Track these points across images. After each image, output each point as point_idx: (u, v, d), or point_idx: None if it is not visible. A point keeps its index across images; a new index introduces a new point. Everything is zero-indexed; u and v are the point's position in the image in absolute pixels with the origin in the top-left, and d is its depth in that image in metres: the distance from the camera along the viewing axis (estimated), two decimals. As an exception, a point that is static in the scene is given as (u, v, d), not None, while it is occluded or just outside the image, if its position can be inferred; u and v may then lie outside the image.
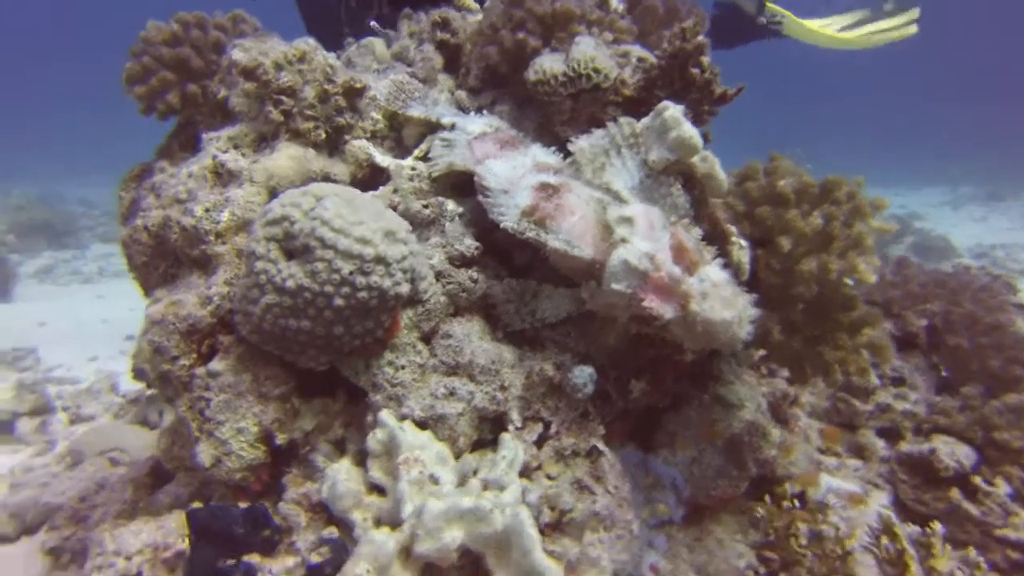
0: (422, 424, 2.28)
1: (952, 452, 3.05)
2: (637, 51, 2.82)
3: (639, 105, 2.72)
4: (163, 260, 2.39)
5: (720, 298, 2.13)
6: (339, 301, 2.05)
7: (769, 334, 2.51)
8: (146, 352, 2.23)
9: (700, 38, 2.48)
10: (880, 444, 3.41)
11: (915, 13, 6.13)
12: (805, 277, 2.36)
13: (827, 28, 6.24)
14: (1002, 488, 3.01)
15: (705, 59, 2.56)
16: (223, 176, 2.48)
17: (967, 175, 20.60)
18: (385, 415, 2.17)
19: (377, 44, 3.34)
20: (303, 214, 2.10)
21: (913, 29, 6.17)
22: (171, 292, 2.28)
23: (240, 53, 2.61)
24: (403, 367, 2.32)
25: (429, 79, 3.06)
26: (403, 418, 2.26)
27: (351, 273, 2.04)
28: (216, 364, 2.16)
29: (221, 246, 2.32)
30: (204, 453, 2.05)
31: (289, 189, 2.31)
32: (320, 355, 2.19)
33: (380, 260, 2.08)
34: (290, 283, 2.04)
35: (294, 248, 2.09)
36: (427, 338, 2.40)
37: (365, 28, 3.66)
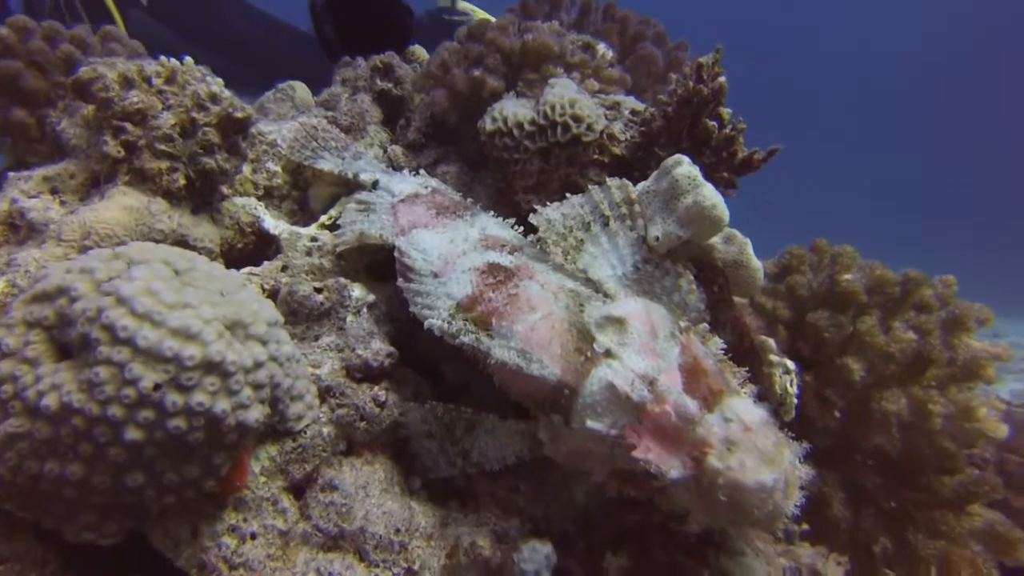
0: (276, 633, 1.41)
1: None
2: (631, 102, 2.12)
3: (630, 170, 2.00)
4: None
5: (755, 450, 1.38)
6: (134, 434, 1.22)
7: (825, 504, 1.69)
8: None
9: (721, 79, 1.79)
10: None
11: None
12: (888, 420, 1.57)
13: None
14: None
15: (725, 110, 1.87)
16: (20, 230, 1.69)
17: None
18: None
19: (299, 88, 2.63)
20: (92, 287, 1.29)
21: None
22: None
23: (86, 69, 1.86)
24: (253, 536, 1.47)
25: (355, 128, 2.34)
26: (245, 623, 1.38)
27: (156, 387, 1.22)
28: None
29: (-19, 332, 1.49)
30: None
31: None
32: (103, 521, 1.33)
33: (212, 367, 1.27)
34: (50, 400, 1.21)
35: (69, 341, 1.27)
36: (298, 489, 1.56)
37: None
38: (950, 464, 1.59)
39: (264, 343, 1.40)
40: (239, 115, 1.84)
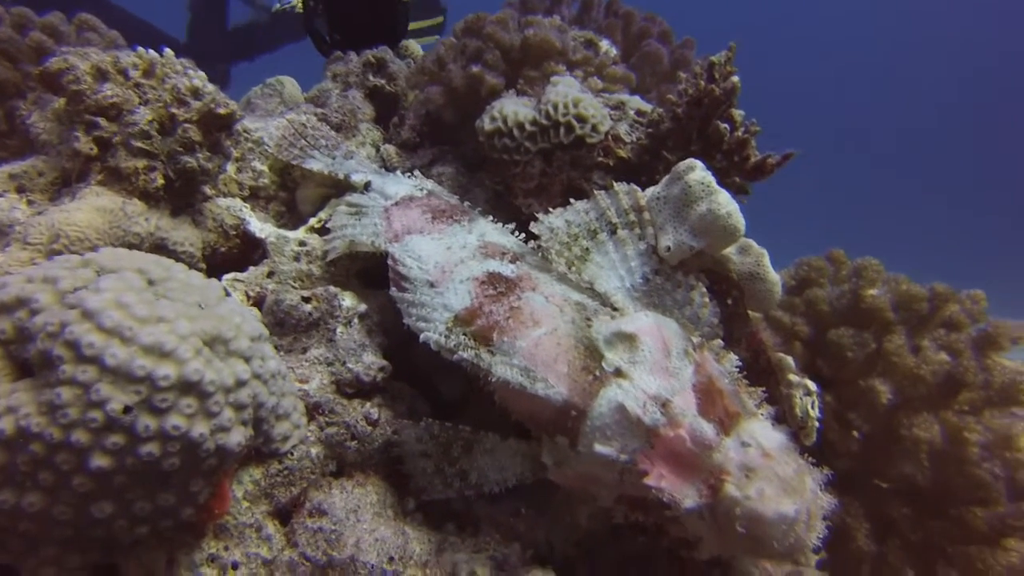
0: (258, 673, 1.30)
1: None
2: (636, 102, 2.02)
3: (637, 173, 1.90)
4: None
5: (775, 478, 1.29)
6: (101, 460, 1.11)
7: (849, 536, 1.59)
8: None
9: (735, 79, 1.69)
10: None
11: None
12: (918, 448, 1.47)
13: None
14: None
15: (737, 111, 1.77)
16: (-17, 232, 1.56)
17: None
18: None
19: (287, 83, 2.52)
20: (56, 298, 1.18)
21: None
22: None
23: (56, 59, 1.74)
24: (235, 566, 1.36)
25: (346, 126, 2.22)
26: (223, 663, 1.27)
27: (127, 410, 1.11)
28: None
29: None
30: None
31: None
32: (68, 554, 1.22)
33: (188, 387, 1.16)
34: (5, 424, 1.09)
35: (29, 358, 1.15)
36: (284, 514, 1.45)
37: None
38: (985, 495, 1.50)
39: (247, 360, 1.29)
40: (222, 111, 1.72)
